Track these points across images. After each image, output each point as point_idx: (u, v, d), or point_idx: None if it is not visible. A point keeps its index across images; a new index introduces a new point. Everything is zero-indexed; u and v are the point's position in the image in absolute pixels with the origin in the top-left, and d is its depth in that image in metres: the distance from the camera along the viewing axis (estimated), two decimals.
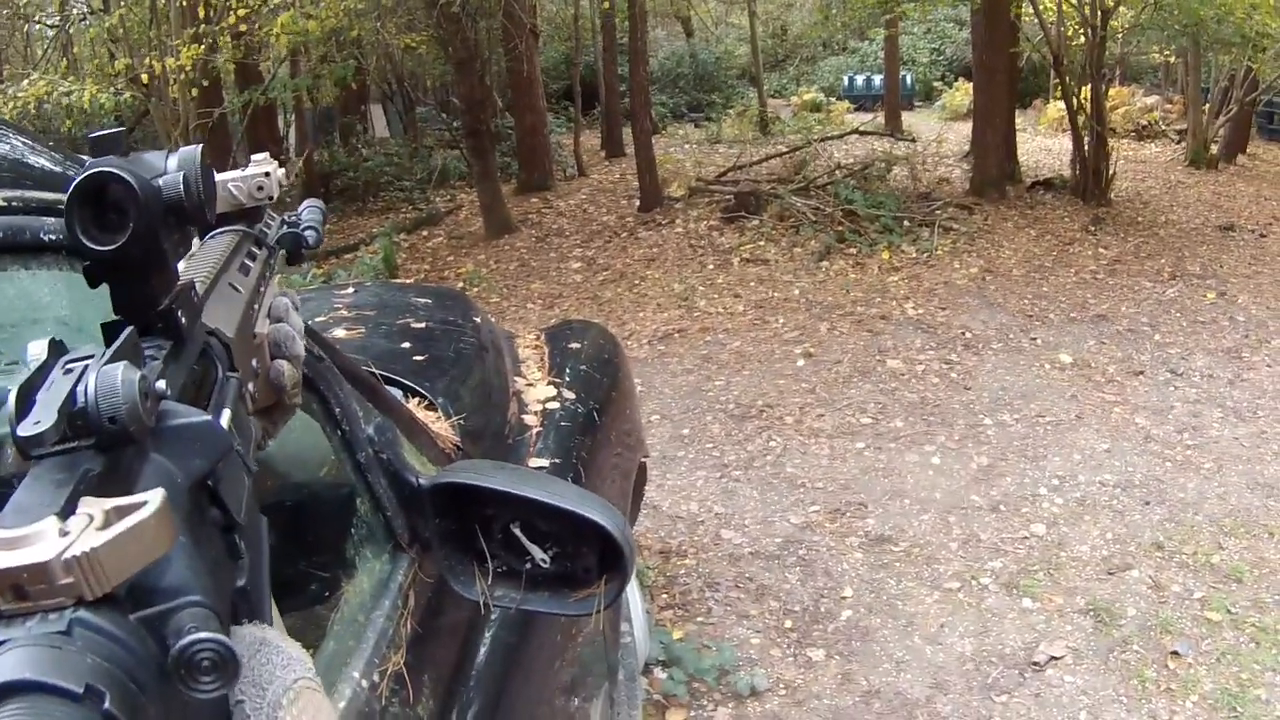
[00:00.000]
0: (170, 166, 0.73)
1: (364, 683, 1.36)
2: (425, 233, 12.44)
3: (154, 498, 0.54)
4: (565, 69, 20.35)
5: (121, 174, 0.66)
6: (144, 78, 9.01)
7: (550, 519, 1.45)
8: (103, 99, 8.68)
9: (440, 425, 2.07)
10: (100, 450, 0.59)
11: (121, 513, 0.52)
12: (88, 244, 0.67)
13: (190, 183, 0.72)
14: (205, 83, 9.72)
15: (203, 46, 8.84)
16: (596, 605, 1.45)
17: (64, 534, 0.51)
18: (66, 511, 0.53)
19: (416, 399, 2.19)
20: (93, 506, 0.53)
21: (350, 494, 1.55)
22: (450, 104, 17.95)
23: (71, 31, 12.81)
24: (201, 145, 0.78)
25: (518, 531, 1.46)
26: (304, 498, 1.60)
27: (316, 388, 1.48)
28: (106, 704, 0.48)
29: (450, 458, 1.92)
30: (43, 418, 0.58)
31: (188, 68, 8.67)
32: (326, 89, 12.89)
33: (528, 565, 1.47)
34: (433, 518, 1.50)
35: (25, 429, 0.58)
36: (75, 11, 12.16)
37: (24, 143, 1.38)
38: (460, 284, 9.47)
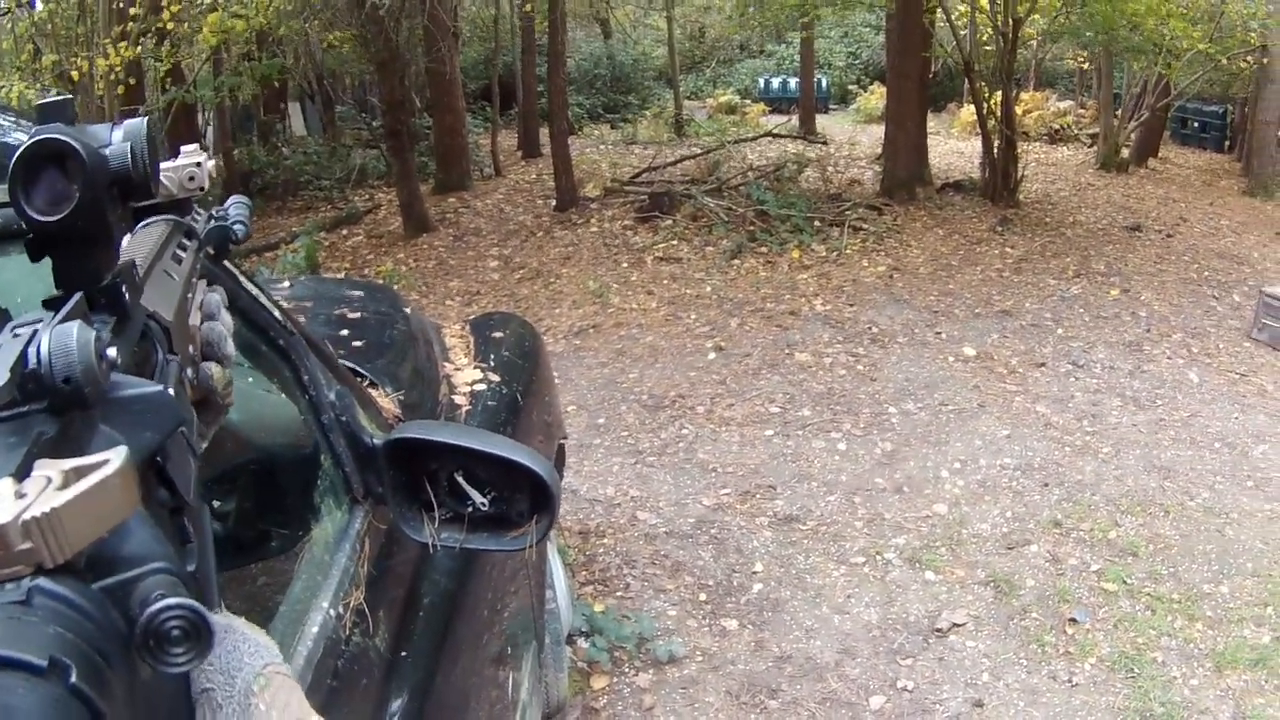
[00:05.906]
0: (116, 139, 0.71)
1: (332, 613, 1.58)
2: (345, 231, 12.50)
3: (116, 455, 0.51)
4: (484, 69, 20.25)
5: (69, 141, 0.64)
6: (74, 74, 9.04)
7: (488, 466, 1.66)
8: (30, 95, 8.71)
9: (383, 400, 2.28)
10: (53, 414, 0.57)
11: (81, 473, 0.50)
12: (32, 214, 0.64)
13: (137, 154, 0.70)
14: (132, 80, 9.75)
15: (139, 49, 8.89)
16: (529, 540, 1.67)
17: (20, 496, 0.48)
18: (22, 473, 0.51)
19: (359, 379, 2.40)
20: (50, 468, 0.50)
21: (315, 453, 1.76)
22: (368, 103, 17.92)
23: None
24: (149, 118, 0.77)
25: (460, 479, 1.67)
26: (273, 458, 1.81)
27: (289, 357, 1.69)
28: (73, 678, 0.47)
29: (394, 427, 2.14)
30: None
31: (117, 67, 8.73)
32: (248, 86, 12.90)
33: (469, 509, 1.69)
34: (386, 471, 1.72)
35: None
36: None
37: None
38: (381, 282, 9.55)
